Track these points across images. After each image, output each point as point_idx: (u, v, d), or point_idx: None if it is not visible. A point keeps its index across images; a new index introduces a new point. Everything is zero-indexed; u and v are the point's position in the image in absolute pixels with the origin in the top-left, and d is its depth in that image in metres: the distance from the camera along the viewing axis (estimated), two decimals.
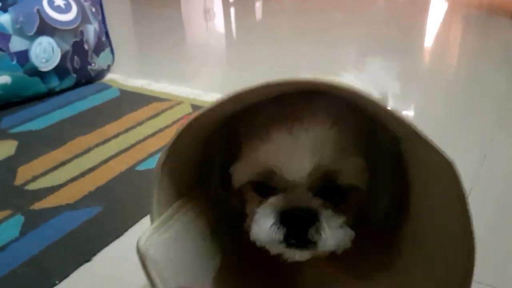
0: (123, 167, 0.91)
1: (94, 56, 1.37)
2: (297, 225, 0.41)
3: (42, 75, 1.23)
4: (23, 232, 0.74)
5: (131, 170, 0.91)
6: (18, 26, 1.17)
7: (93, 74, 1.37)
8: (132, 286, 0.64)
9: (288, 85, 0.36)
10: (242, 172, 0.45)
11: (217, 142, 0.48)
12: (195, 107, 1.18)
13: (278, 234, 0.41)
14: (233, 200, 0.50)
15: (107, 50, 1.43)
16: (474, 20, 1.98)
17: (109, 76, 1.43)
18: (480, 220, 0.70)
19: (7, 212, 0.79)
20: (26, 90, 1.23)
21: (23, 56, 1.18)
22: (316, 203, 0.41)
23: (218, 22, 2.25)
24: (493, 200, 0.78)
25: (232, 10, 2.38)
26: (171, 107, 1.18)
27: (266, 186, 0.44)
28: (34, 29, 1.20)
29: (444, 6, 2.24)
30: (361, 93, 0.35)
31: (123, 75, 1.44)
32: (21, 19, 1.18)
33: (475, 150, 0.92)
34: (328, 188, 0.42)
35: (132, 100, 1.25)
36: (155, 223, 0.42)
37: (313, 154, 0.41)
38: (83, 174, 0.90)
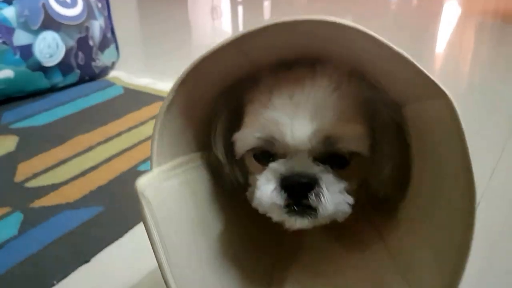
0: (125, 167, 0.90)
1: (99, 52, 1.36)
2: (298, 190, 0.41)
3: (45, 71, 1.22)
4: (22, 230, 0.73)
5: (133, 170, 0.90)
6: (22, 19, 1.16)
7: (97, 71, 1.36)
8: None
9: (291, 25, 0.36)
10: (244, 139, 0.45)
11: (220, 111, 0.48)
12: None
13: (279, 199, 0.42)
14: (235, 170, 0.50)
15: (112, 46, 1.42)
16: (489, 27, 1.96)
17: (113, 74, 1.42)
18: (488, 233, 0.70)
19: (6, 209, 0.78)
20: (29, 85, 1.22)
21: (26, 51, 1.17)
22: (317, 168, 0.42)
23: (225, 21, 2.24)
24: (502, 212, 0.77)
25: (240, 8, 2.37)
26: None
27: (267, 154, 0.44)
28: (39, 24, 1.19)
29: (458, 12, 2.22)
30: (365, 30, 0.34)
31: (127, 72, 1.43)
32: (25, 12, 1.17)
33: (486, 160, 0.91)
34: (329, 155, 0.43)
35: (136, 98, 1.24)
36: (156, 170, 0.42)
37: (314, 118, 0.41)
38: (84, 173, 0.89)
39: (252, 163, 0.47)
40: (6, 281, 0.63)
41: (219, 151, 0.49)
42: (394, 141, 0.46)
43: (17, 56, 1.16)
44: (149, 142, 1.04)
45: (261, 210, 0.44)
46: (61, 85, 1.28)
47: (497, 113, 1.14)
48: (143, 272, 0.66)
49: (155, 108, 1.17)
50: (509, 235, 0.72)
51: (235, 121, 0.47)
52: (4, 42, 1.13)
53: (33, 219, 0.75)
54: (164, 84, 1.33)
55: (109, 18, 1.42)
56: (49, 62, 1.22)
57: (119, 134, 1.04)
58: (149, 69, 1.50)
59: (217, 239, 0.47)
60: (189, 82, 0.40)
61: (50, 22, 1.21)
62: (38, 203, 0.80)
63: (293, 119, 0.41)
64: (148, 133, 1.04)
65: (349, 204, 0.43)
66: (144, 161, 0.93)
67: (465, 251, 0.34)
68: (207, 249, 0.46)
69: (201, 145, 0.48)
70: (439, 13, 2.20)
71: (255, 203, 0.44)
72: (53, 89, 1.27)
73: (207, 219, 0.47)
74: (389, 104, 0.45)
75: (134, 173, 0.89)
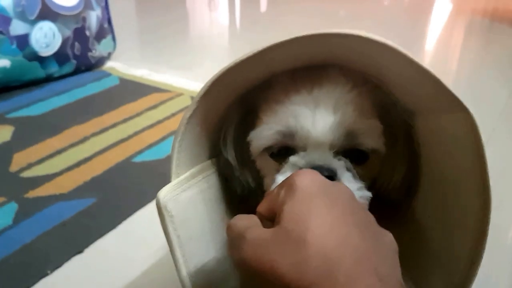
0: (119, 158, 0.91)
1: (95, 43, 1.36)
2: None
3: (42, 60, 1.22)
4: (16, 220, 0.74)
5: (127, 162, 0.90)
6: (19, 9, 1.16)
7: (93, 61, 1.36)
8: (124, 280, 0.64)
9: (320, 38, 0.36)
10: (262, 136, 0.44)
11: (232, 115, 0.48)
12: None
13: None
14: (246, 174, 0.49)
15: (109, 37, 1.42)
16: (478, 26, 1.97)
17: (110, 64, 1.42)
18: None
19: (1, 199, 0.78)
20: (25, 75, 1.21)
21: (23, 40, 1.17)
22: (338, 163, 0.41)
23: (223, 12, 2.23)
24: None
25: (237, 0, 2.36)
26: (171, 99, 1.17)
27: (285, 151, 0.43)
28: (36, 13, 1.19)
29: (448, 10, 2.23)
30: (395, 47, 0.35)
31: (123, 63, 1.43)
32: (23, 2, 1.16)
33: None
34: (349, 150, 0.42)
35: (132, 89, 1.24)
36: (175, 181, 0.42)
37: (335, 111, 0.41)
38: (78, 164, 0.89)
39: (267, 164, 0.46)
40: (0, 270, 0.64)
41: (230, 155, 0.48)
42: (405, 146, 0.46)
43: (14, 46, 1.16)
44: (145, 133, 1.04)
45: None
46: (57, 75, 1.28)
47: (484, 110, 1.14)
48: (137, 263, 0.66)
49: (151, 99, 1.17)
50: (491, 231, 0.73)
51: (247, 124, 0.47)
52: (0, 32, 1.13)
53: (27, 209, 0.76)
54: (160, 75, 1.33)
55: (106, 8, 1.41)
56: (45, 52, 1.22)
57: (114, 125, 1.04)
58: (145, 60, 1.50)
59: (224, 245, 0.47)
60: (210, 93, 0.40)
61: (47, 12, 1.21)
62: (33, 194, 0.80)
63: (315, 110, 0.41)
64: (144, 124, 1.04)
65: (368, 200, 0.42)
66: (140, 152, 0.93)
67: (477, 260, 0.36)
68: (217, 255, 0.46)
69: (212, 152, 0.48)
70: (430, 11, 2.21)
71: None
72: (49, 79, 1.27)
73: (219, 227, 0.47)
74: (402, 112, 0.45)
75: (129, 164, 0.89)
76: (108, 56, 1.43)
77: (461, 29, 2.00)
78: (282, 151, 0.44)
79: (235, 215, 0.48)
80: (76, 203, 0.78)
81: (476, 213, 0.36)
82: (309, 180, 0.33)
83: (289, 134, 0.42)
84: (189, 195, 0.43)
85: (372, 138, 0.42)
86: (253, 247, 0.31)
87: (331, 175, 0.40)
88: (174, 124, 1.05)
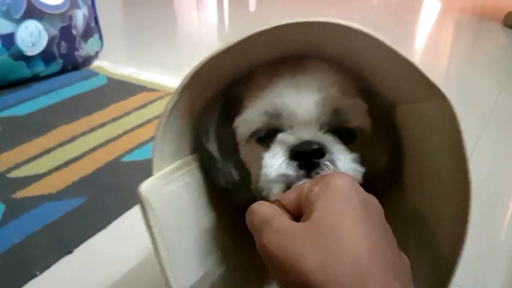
0: (108, 158, 0.90)
1: (82, 42, 1.34)
2: (309, 157, 0.39)
3: (28, 60, 1.21)
4: (3, 221, 0.72)
5: (116, 161, 0.89)
6: (4, 8, 1.14)
7: (80, 60, 1.35)
8: (114, 280, 0.63)
9: (298, 26, 0.36)
10: (248, 120, 0.43)
11: (213, 107, 0.47)
12: None
13: (290, 169, 0.39)
14: (229, 166, 0.48)
15: (96, 36, 1.40)
16: (466, 24, 1.99)
17: (97, 63, 1.41)
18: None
19: None
20: (10, 74, 1.20)
21: (8, 39, 1.15)
22: (326, 138, 0.41)
23: (211, 12, 2.22)
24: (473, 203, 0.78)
25: (225, 0, 2.36)
26: (160, 98, 1.17)
27: (272, 134, 0.43)
28: (21, 12, 1.17)
29: (437, 9, 2.25)
30: (371, 33, 0.35)
31: (111, 62, 1.42)
32: (8, 1, 1.14)
33: None
34: (337, 130, 0.42)
35: (120, 88, 1.23)
36: (157, 175, 0.41)
37: (319, 91, 0.41)
38: (67, 164, 0.88)
39: (254, 152, 0.44)
40: None
41: (212, 147, 0.47)
42: (388, 131, 0.46)
43: None
44: (134, 132, 1.03)
45: (266, 191, 0.41)
46: (43, 74, 1.27)
47: (473, 106, 1.16)
48: (126, 263, 0.66)
49: (140, 99, 1.16)
50: (484, 227, 0.74)
51: (229, 115, 0.46)
52: None
53: (15, 210, 0.75)
54: (148, 74, 1.32)
55: (92, 7, 1.40)
56: (31, 51, 1.20)
57: (103, 125, 1.03)
58: (133, 59, 1.49)
59: (208, 240, 0.47)
60: (192, 85, 0.39)
61: (33, 11, 1.19)
62: (21, 194, 0.79)
63: (299, 91, 0.41)
64: (133, 124, 1.03)
65: (361, 174, 0.41)
66: (129, 151, 0.92)
67: (458, 249, 0.36)
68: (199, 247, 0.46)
69: (195, 146, 0.48)
70: (419, 10, 2.23)
71: (261, 183, 0.41)
72: (36, 78, 1.26)
73: (202, 221, 0.47)
74: (383, 101, 0.45)
75: (118, 164, 0.89)
76: (96, 55, 1.42)
77: (450, 27, 2.02)
78: (269, 135, 0.43)
79: (218, 209, 0.47)
80: (65, 203, 0.77)
81: (457, 203, 0.37)
82: (347, 183, 0.33)
83: (275, 114, 0.42)
84: (172, 188, 0.43)
85: (358, 116, 0.42)
86: (280, 236, 0.31)
87: (321, 148, 0.39)
88: None
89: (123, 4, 2.27)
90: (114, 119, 1.06)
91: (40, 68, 1.25)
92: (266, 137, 0.43)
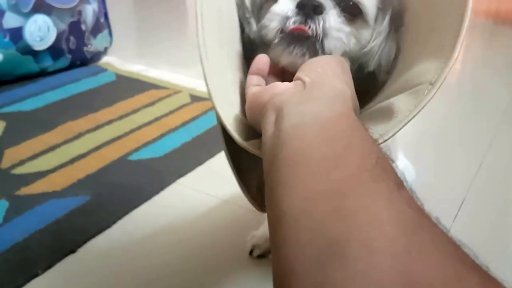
0: (115, 156, 0.88)
1: (91, 37, 1.33)
2: (308, 10, 0.44)
3: (35, 54, 1.20)
4: (7, 218, 0.71)
5: (123, 160, 0.88)
6: (13, 2, 1.14)
7: (88, 56, 1.34)
8: (118, 280, 0.62)
9: None
10: None
11: None
12: (194, 97, 1.14)
13: (290, 12, 0.45)
14: (253, 22, 0.52)
15: (105, 32, 1.39)
16: (480, 27, 1.97)
17: (106, 59, 1.40)
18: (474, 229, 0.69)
19: None
20: (18, 69, 1.19)
21: (16, 34, 1.15)
22: (327, 1, 0.45)
23: None
24: (487, 209, 0.76)
25: None
26: (168, 96, 1.15)
27: None
28: (30, 6, 1.16)
29: None
30: None
31: (120, 59, 1.40)
32: None
33: (472, 158, 0.92)
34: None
35: (128, 86, 1.21)
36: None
37: None
38: (72, 161, 0.87)
39: (269, 5, 0.48)
40: None
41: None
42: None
43: (7, 39, 1.13)
44: (141, 130, 1.01)
45: (266, 31, 0.46)
46: (51, 69, 1.26)
47: (486, 111, 1.15)
48: (130, 264, 0.65)
49: (148, 96, 1.15)
50: (494, 227, 0.72)
51: None
52: None
53: (18, 207, 0.74)
54: (157, 71, 1.31)
55: (102, 2, 1.39)
56: (39, 46, 1.19)
57: (109, 122, 1.02)
58: (143, 56, 1.48)
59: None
60: None
61: (42, 5, 1.18)
62: (24, 191, 0.78)
63: None
64: (140, 121, 1.02)
65: (346, 40, 0.46)
66: (136, 150, 0.91)
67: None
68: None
69: None
70: None
71: (263, 31, 0.47)
72: (43, 74, 1.25)
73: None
74: None
75: (125, 162, 0.87)
76: (105, 51, 1.41)
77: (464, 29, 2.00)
78: None
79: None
80: (70, 201, 0.75)
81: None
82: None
83: None
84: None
85: None
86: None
87: (318, 5, 0.44)
88: (172, 121, 1.02)
89: (133, 0, 2.26)
90: (121, 117, 1.04)
91: (48, 63, 1.24)
92: None
